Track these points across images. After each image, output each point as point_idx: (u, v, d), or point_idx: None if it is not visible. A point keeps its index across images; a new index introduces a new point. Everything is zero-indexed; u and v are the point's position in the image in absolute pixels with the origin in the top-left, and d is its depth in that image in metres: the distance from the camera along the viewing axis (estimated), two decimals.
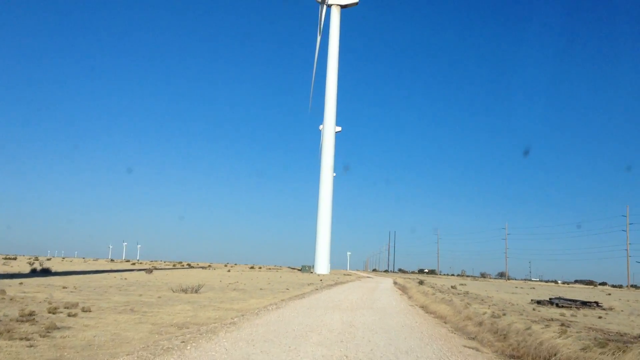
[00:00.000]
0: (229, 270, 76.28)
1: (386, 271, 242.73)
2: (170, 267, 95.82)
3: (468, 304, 25.34)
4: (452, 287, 46.26)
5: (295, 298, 22.36)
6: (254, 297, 21.88)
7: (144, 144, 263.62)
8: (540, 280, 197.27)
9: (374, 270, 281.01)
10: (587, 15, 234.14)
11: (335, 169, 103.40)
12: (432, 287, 45.27)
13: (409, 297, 28.47)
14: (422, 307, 21.59)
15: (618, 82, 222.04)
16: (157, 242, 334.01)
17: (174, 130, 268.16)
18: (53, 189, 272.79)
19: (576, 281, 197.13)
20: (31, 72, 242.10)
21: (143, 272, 48.71)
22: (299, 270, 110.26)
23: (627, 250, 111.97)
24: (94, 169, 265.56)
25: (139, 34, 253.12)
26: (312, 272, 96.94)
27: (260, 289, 28.86)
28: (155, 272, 54.33)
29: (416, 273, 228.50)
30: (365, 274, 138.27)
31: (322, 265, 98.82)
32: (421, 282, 54.09)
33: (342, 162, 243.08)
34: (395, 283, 56.96)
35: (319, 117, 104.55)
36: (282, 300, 20.70)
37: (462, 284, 68.28)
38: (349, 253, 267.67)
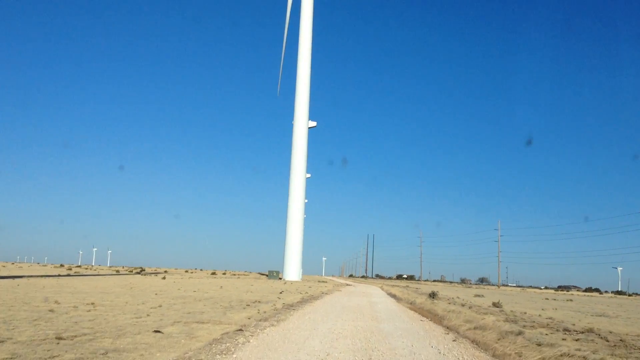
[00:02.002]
0: (164, 278, 56.94)
1: (364, 277, 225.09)
2: (111, 273, 76.36)
3: None
4: (494, 304, 28.63)
5: None
6: None
7: (116, 146, 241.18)
8: (517, 286, 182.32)
9: (351, 276, 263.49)
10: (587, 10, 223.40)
11: (308, 169, 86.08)
12: (465, 305, 27.27)
13: None
14: None
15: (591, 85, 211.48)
16: (132, 248, 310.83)
17: (157, 131, 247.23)
18: (29, 192, 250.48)
19: (559, 287, 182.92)
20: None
21: (10, 279, 29.48)
22: (266, 276, 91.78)
23: None
24: (61, 173, 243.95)
25: (91, 17, 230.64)
26: (280, 279, 79.21)
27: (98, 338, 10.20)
28: (48, 280, 34.99)
29: (394, 279, 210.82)
30: (343, 281, 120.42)
31: (292, 270, 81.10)
32: (433, 295, 35.96)
33: (316, 160, 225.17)
34: (393, 296, 38.87)
35: (292, 111, 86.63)
36: None
37: (478, 295, 50.82)
38: (324, 258, 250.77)
